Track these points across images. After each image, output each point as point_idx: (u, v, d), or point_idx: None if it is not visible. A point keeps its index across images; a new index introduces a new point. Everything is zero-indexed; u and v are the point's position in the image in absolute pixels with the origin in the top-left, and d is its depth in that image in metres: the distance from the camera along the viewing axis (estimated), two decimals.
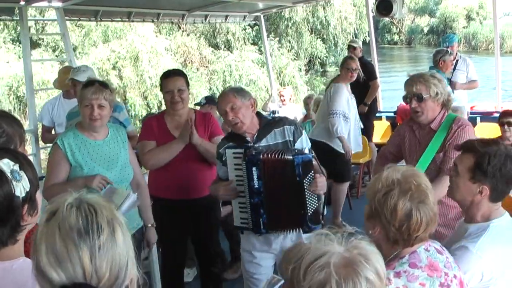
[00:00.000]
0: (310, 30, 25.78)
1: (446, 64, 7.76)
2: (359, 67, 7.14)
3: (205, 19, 10.03)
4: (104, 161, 3.86)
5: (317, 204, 3.72)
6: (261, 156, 3.58)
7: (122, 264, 1.48)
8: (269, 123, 3.88)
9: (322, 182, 3.67)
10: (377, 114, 9.49)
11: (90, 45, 18.86)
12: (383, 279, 1.59)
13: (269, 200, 3.63)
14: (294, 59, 24.20)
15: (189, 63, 21.43)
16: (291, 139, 3.81)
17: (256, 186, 3.60)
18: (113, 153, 3.93)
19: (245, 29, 23.88)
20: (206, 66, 21.82)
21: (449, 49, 8.10)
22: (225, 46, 22.94)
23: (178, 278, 4.76)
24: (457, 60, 8.40)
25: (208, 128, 4.51)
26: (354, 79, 7.03)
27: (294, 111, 9.59)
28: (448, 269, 2.28)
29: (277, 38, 24.08)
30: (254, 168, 3.58)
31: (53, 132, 6.56)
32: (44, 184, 3.81)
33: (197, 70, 21.11)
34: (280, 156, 3.60)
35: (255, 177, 3.59)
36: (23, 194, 1.91)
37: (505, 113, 6.22)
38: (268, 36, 21.13)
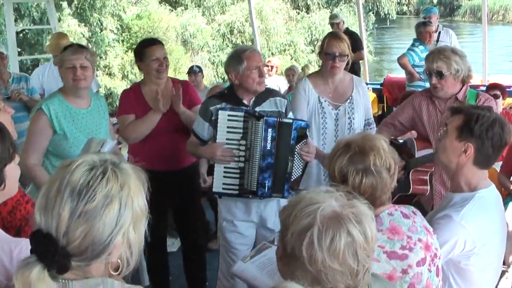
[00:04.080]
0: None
1: (422, 35, 7.79)
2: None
3: None
4: (88, 131, 3.79)
5: (300, 172, 3.77)
6: (277, 119, 3.66)
7: (99, 239, 1.47)
8: (265, 90, 3.90)
9: (313, 149, 3.79)
10: None
11: (226, 5, 24.12)
12: (369, 242, 1.63)
13: (277, 162, 3.68)
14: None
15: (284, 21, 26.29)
16: (283, 111, 3.89)
17: (269, 147, 3.65)
18: (96, 123, 3.86)
19: None
20: (295, 24, 25.82)
21: (428, 20, 8.10)
22: (305, 8, 26.78)
23: (161, 250, 4.72)
24: (439, 32, 8.40)
25: (186, 97, 4.41)
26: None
27: (279, 82, 9.49)
28: (412, 233, 2.28)
29: (347, 4, 27.89)
30: (270, 130, 3.63)
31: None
32: (23, 151, 3.68)
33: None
34: (282, 119, 3.72)
35: (269, 138, 3.64)
36: None
37: (492, 86, 6.26)
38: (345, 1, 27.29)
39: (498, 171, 5.09)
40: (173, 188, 4.42)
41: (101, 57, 18.53)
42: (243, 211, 3.88)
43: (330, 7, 27.09)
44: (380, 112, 9.69)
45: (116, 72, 19.22)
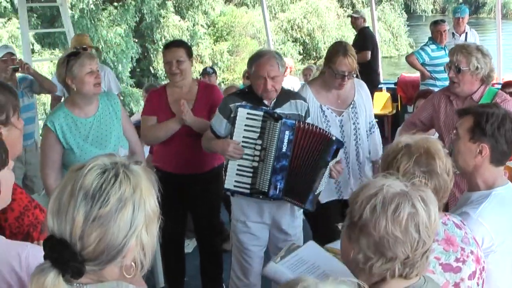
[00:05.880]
0: None
1: (434, 34, 7.76)
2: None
3: None
4: (96, 140, 3.81)
5: (322, 189, 3.77)
6: (296, 122, 3.63)
7: (114, 243, 1.45)
8: (286, 92, 3.89)
9: (341, 170, 3.83)
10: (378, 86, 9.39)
11: (286, 4, 27.57)
12: (432, 222, 1.71)
13: (292, 166, 3.66)
14: (399, 16, 31.34)
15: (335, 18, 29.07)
16: (303, 115, 3.85)
17: (284, 150, 3.63)
18: (105, 128, 3.86)
19: None
20: (344, 21, 27.91)
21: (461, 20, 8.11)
22: (350, 6, 29.26)
23: (179, 253, 4.73)
24: (466, 33, 8.33)
25: (209, 101, 4.39)
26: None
27: (293, 83, 9.42)
28: (465, 245, 2.25)
29: (388, 2, 30.60)
30: (287, 132, 3.60)
31: (62, 100, 6.56)
32: (40, 169, 3.84)
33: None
34: (319, 130, 3.69)
35: (285, 140, 3.61)
36: None
37: (507, 84, 6.20)
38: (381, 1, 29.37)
39: None
40: (193, 191, 4.42)
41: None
42: (256, 212, 3.87)
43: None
44: (394, 111, 9.65)
45: (207, 60, 22.51)
